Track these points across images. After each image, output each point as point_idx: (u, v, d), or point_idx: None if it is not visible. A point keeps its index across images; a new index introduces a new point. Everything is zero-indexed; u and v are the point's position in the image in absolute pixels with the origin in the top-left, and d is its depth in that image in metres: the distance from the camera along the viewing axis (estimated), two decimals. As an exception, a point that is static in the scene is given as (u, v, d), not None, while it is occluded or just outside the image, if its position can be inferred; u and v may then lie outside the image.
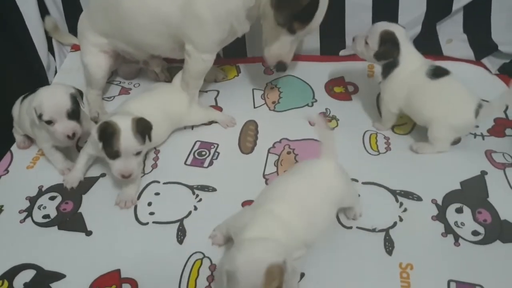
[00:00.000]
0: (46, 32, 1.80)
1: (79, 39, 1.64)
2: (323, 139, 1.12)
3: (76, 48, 1.90)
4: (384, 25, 1.36)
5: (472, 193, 1.28)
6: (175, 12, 1.36)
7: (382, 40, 1.34)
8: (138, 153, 1.25)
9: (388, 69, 1.37)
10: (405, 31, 1.37)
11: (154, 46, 1.52)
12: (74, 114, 1.29)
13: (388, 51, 1.34)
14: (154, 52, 1.57)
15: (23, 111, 1.40)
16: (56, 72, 1.84)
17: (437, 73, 1.34)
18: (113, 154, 1.23)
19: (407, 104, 1.38)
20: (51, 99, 1.27)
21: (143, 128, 1.25)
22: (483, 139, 1.45)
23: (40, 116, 1.27)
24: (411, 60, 1.35)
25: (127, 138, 1.21)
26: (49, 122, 1.28)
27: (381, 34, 1.34)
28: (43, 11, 1.80)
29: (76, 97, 1.31)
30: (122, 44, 1.55)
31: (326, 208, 1.07)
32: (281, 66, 1.48)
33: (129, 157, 1.24)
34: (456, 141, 1.39)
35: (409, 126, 1.51)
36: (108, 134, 1.21)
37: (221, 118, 1.56)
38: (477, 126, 1.48)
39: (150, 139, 1.28)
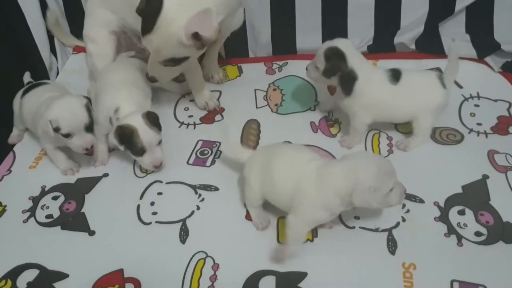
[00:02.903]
0: (48, 32, 1.80)
1: (86, 20, 1.61)
2: None
3: (78, 50, 1.91)
4: (327, 43, 1.33)
5: (474, 196, 1.27)
6: None
7: (327, 56, 1.30)
8: (159, 142, 1.34)
9: (348, 85, 1.31)
10: (350, 42, 1.34)
11: None
12: (91, 126, 1.32)
13: (334, 64, 1.29)
14: None
15: (24, 105, 1.41)
16: (58, 73, 1.84)
17: (396, 75, 1.34)
18: (139, 151, 1.30)
19: (382, 111, 1.36)
20: (69, 113, 1.27)
21: (154, 119, 1.32)
22: (486, 137, 1.44)
23: (56, 129, 1.26)
24: (368, 69, 1.33)
25: (146, 133, 1.28)
26: (67, 135, 1.28)
27: (325, 52, 1.31)
28: (45, 11, 1.80)
29: (89, 108, 1.32)
30: (131, 19, 1.50)
31: None
32: (146, 74, 1.43)
33: (154, 149, 1.32)
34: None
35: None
36: (127, 135, 1.28)
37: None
38: (480, 124, 1.48)
39: (161, 128, 1.34)
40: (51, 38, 1.83)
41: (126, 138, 1.28)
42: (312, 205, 1.07)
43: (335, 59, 1.29)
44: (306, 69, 1.41)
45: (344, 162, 1.08)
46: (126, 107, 1.33)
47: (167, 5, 1.21)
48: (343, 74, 1.30)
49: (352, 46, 1.32)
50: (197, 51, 1.31)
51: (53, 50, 1.84)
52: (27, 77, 1.58)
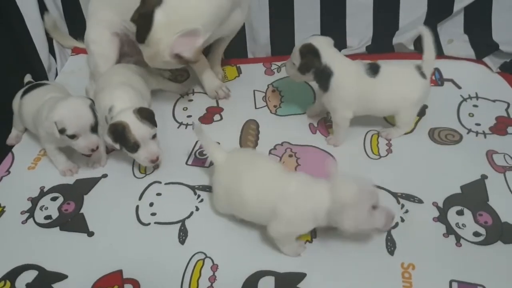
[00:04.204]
0: (46, 34, 1.80)
1: (88, 22, 1.60)
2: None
3: (77, 51, 1.91)
4: (303, 41, 1.35)
5: (473, 196, 1.27)
6: None
7: (302, 53, 1.32)
8: (153, 137, 1.32)
9: (324, 80, 1.33)
10: (327, 40, 1.35)
11: None
12: (96, 127, 1.32)
13: (308, 61, 1.31)
14: None
15: (24, 105, 1.41)
16: (56, 74, 1.84)
17: (374, 69, 1.34)
18: (133, 147, 1.29)
19: (361, 105, 1.36)
20: (74, 114, 1.27)
21: (146, 114, 1.31)
22: (485, 137, 1.45)
23: (61, 131, 1.26)
24: (344, 64, 1.33)
25: (138, 128, 1.27)
26: (73, 137, 1.28)
27: (300, 49, 1.33)
28: (43, 12, 1.80)
29: (94, 108, 1.33)
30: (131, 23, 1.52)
31: None
32: None
33: (148, 143, 1.30)
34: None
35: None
36: (119, 132, 1.26)
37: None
38: (479, 124, 1.49)
39: (155, 124, 1.33)
40: (50, 39, 1.83)
41: (119, 135, 1.27)
42: (297, 218, 1.07)
43: (309, 55, 1.31)
44: (285, 66, 1.44)
45: (329, 183, 1.06)
46: (119, 106, 1.32)
47: (157, 22, 1.28)
48: (318, 70, 1.32)
49: (327, 43, 1.34)
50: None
51: (52, 51, 1.84)
52: (27, 78, 1.58)
